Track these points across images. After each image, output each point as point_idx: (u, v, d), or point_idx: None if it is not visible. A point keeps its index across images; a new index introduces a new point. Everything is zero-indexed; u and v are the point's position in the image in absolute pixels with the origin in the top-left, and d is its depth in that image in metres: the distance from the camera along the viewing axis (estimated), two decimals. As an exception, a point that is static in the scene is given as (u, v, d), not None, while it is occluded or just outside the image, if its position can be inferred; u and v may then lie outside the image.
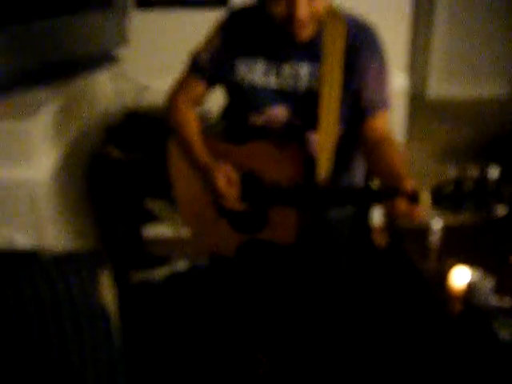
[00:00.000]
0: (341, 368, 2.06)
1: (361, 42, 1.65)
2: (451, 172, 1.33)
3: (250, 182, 1.71)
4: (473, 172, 1.30)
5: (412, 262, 2.49)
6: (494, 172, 1.28)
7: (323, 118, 1.65)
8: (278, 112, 1.72)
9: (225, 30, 1.77)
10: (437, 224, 2.52)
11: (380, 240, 2.50)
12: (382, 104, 1.69)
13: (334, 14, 1.67)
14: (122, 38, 2.78)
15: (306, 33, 1.58)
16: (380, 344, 2.34)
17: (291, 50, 1.67)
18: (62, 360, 1.63)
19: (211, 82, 1.83)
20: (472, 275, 2.20)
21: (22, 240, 2.14)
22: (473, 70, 5.56)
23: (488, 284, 2.18)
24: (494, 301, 2.12)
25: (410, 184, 1.36)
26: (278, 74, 1.70)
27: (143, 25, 3.01)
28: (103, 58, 2.76)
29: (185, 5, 3.06)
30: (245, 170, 1.72)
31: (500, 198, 1.28)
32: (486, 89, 5.56)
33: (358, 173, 1.87)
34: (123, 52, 2.89)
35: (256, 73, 1.72)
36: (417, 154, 4.04)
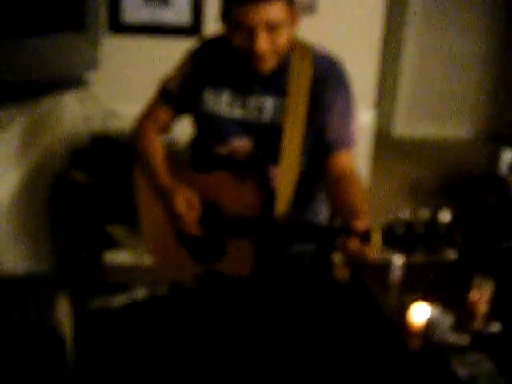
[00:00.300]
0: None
1: (327, 77, 1.65)
2: (403, 214, 1.32)
3: (210, 211, 1.71)
4: (424, 215, 1.30)
5: (373, 297, 2.50)
6: (444, 215, 1.29)
7: (285, 152, 1.64)
8: (242, 143, 1.71)
9: (195, 58, 1.77)
10: (398, 260, 2.54)
11: (341, 274, 2.50)
12: (347, 141, 1.67)
13: (301, 46, 1.67)
14: (93, 62, 2.76)
15: (267, 66, 1.58)
16: (339, 380, 2.34)
17: (257, 82, 1.67)
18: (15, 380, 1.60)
19: (178, 110, 1.83)
20: (432, 311, 2.21)
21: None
22: (438, 111, 5.69)
23: (447, 321, 2.19)
24: (452, 338, 2.13)
25: (362, 223, 1.35)
26: (243, 106, 1.69)
27: (115, 49, 3.02)
28: (72, 81, 2.74)
29: (157, 31, 3.09)
30: (206, 199, 1.71)
31: (450, 242, 1.28)
32: (450, 129, 5.69)
33: (321, 210, 1.86)
34: (93, 75, 2.87)
35: (221, 103, 1.72)
36: (380, 191, 4.09)
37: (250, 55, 1.55)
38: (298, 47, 1.66)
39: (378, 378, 2.27)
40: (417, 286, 2.49)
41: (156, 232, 1.88)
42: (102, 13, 2.97)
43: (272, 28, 1.51)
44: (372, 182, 3.65)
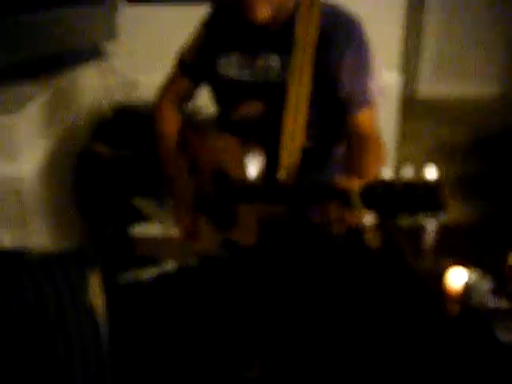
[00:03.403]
0: (337, 370, 2.02)
1: (335, 30, 1.56)
2: (385, 173, 1.17)
3: (220, 178, 1.69)
4: (407, 172, 1.15)
5: (406, 263, 2.45)
6: (429, 173, 1.14)
7: (289, 113, 1.59)
8: (253, 106, 1.68)
9: (207, 26, 1.76)
10: (430, 224, 2.49)
11: (372, 240, 2.46)
12: (362, 99, 1.58)
13: (307, 0, 1.60)
14: (110, 33, 2.76)
15: (260, 14, 1.51)
16: (376, 346, 2.31)
17: (264, 41, 1.62)
18: (49, 362, 1.59)
19: (196, 80, 1.83)
20: (469, 276, 2.16)
21: (7, 239, 2.09)
22: (464, 70, 5.58)
23: (485, 285, 2.15)
24: (492, 302, 2.09)
25: (342, 184, 1.26)
26: (251, 67, 1.65)
27: (132, 19, 2.98)
28: (91, 53, 2.73)
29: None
30: (217, 165, 1.70)
31: (431, 202, 1.14)
32: (476, 88, 5.57)
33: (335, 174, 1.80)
34: (112, 47, 2.85)
35: (232, 67, 1.69)
36: (407, 153, 4.02)
37: (240, 2, 1.50)
38: (304, 2, 1.59)
39: (417, 344, 2.24)
40: (451, 249, 2.45)
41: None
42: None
43: None
44: (399, 145, 3.58)
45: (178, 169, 1.81)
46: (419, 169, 1.14)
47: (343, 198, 1.24)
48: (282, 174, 1.60)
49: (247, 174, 1.61)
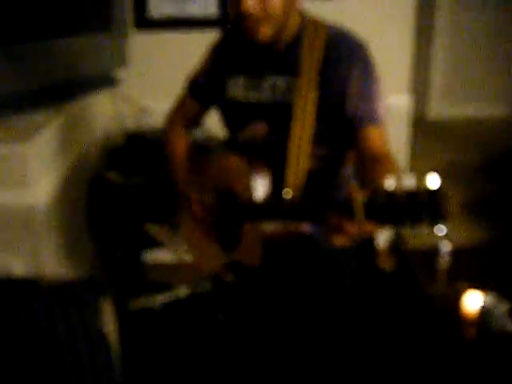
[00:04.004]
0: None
1: (340, 51, 1.57)
2: (386, 183, 1.12)
3: (226, 198, 1.69)
4: (410, 182, 1.10)
5: (421, 286, 2.43)
6: (431, 182, 1.09)
7: (295, 133, 1.59)
8: (259, 127, 1.68)
9: (215, 49, 1.80)
10: (445, 246, 2.46)
11: (385, 262, 2.44)
12: (370, 117, 1.57)
13: (313, 22, 1.62)
14: (121, 60, 2.77)
15: (262, 33, 1.52)
16: (392, 372, 2.27)
17: (270, 62, 1.64)
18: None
19: (205, 103, 1.87)
20: (485, 299, 2.14)
21: (20, 267, 2.08)
22: (473, 91, 5.58)
23: (502, 308, 2.12)
24: (509, 326, 2.06)
25: (345, 194, 1.22)
26: (257, 89, 1.66)
27: (143, 46, 3.01)
28: (103, 80, 2.74)
29: (184, 25, 3.05)
30: (223, 185, 1.70)
31: (434, 209, 1.09)
32: (486, 109, 5.57)
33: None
34: (123, 73, 2.86)
35: (239, 89, 1.70)
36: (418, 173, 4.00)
37: (242, 21, 1.50)
38: (310, 23, 1.61)
39: (432, 369, 2.20)
40: (465, 272, 2.42)
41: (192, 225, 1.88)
42: (128, 10, 2.97)
43: None
44: (410, 166, 3.57)
45: (189, 186, 1.82)
46: (422, 178, 1.10)
47: (346, 208, 1.20)
48: (287, 193, 1.60)
49: (253, 194, 1.60)
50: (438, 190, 1.09)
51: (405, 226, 1.12)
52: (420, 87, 5.46)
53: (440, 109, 5.61)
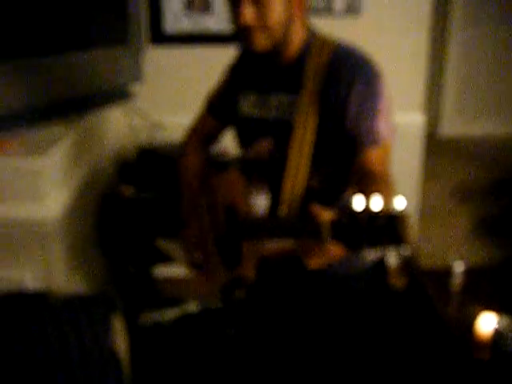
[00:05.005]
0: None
1: (342, 68, 1.56)
2: (352, 202, 1.12)
3: (229, 214, 1.71)
4: (375, 202, 1.09)
5: (434, 307, 2.41)
6: (398, 203, 1.08)
7: (293, 151, 1.59)
8: (264, 144, 1.69)
9: (233, 68, 1.84)
10: (459, 266, 2.45)
11: (396, 282, 2.42)
12: (370, 138, 1.55)
13: (322, 39, 1.62)
14: (136, 74, 2.78)
15: (259, 44, 1.53)
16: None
17: (277, 79, 1.65)
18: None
19: (222, 121, 1.90)
20: (498, 321, 2.11)
21: (32, 281, 2.08)
22: (485, 109, 5.56)
23: (516, 330, 2.10)
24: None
25: (313, 213, 1.21)
26: (264, 106, 1.68)
27: (158, 60, 3.02)
28: (117, 94, 2.75)
29: (200, 40, 3.06)
30: (227, 201, 1.73)
31: (392, 233, 1.08)
32: (498, 127, 5.55)
33: None
34: (138, 87, 2.87)
35: (249, 106, 1.73)
36: (430, 192, 3.99)
37: (240, 31, 1.53)
38: (318, 40, 1.61)
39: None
40: (479, 292, 2.40)
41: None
42: (144, 24, 2.99)
43: (257, 0, 1.48)
44: (422, 184, 3.56)
45: (195, 207, 1.86)
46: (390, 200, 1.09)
47: (314, 229, 1.19)
48: (282, 210, 1.59)
49: (252, 211, 1.62)
50: (400, 213, 1.08)
51: (366, 248, 1.12)
52: (432, 105, 5.46)
53: (452, 127, 5.59)
